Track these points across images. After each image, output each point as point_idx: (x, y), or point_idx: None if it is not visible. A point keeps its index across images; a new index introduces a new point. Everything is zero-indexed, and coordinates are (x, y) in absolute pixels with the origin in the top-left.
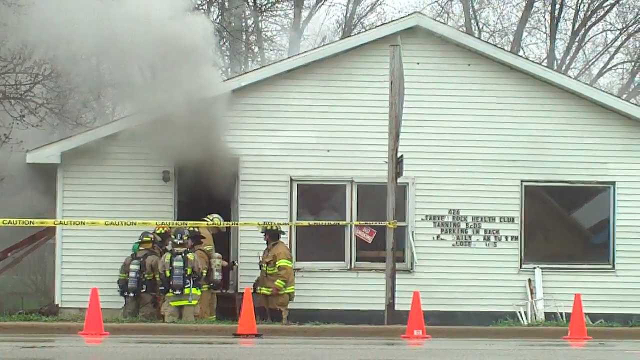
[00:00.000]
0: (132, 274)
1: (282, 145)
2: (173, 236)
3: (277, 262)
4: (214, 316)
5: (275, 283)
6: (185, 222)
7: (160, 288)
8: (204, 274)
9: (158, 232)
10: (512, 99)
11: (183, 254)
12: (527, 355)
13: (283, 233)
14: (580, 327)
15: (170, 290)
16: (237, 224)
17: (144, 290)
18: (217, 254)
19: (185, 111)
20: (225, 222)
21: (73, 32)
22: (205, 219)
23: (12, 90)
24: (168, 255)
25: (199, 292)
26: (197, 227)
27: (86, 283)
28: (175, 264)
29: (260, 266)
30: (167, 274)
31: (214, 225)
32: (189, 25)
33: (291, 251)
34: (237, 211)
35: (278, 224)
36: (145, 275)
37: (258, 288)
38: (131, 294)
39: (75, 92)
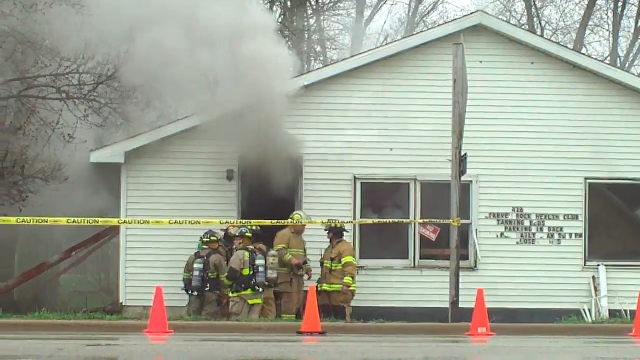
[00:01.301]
0: (196, 273)
1: (345, 144)
2: (233, 232)
3: (342, 259)
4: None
5: (345, 280)
6: (249, 220)
7: (240, 285)
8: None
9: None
10: (575, 96)
11: (265, 252)
12: (592, 352)
13: (347, 231)
14: None
15: (256, 288)
16: (301, 222)
17: (207, 288)
18: (272, 252)
19: (250, 108)
20: (288, 221)
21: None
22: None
23: (76, 90)
24: (246, 253)
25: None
26: (257, 226)
27: (150, 281)
28: (258, 261)
29: (322, 263)
30: (245, 272)
31: (294, 224)
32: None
33: (355, 249)
34: (301, 209)
35: (342, 221)
36: (209, 274)
37: (319, 285)
38: (195, 293)
39: (138, 91)
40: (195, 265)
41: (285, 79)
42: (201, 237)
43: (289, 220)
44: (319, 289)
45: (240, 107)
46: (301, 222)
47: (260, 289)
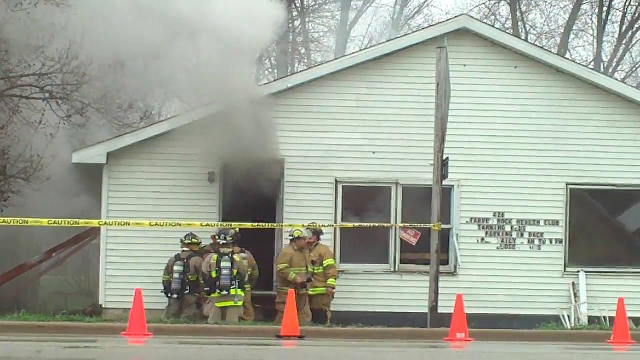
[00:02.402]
0: (175, 275)
1: (327, 147)
2: (217, 236)
3: (324, 261)
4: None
5: (329, 282)
6: (230, 223)
7: (205, 289)
8: (249, 275)
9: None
10: (559, 101)
11: (230, 255)
12: (570, 358)
13: (322, 233)
14: (624, 330)
15: (217, 291)
16: (281, 225)
17: (187, 291)
18: (243, 254)
19: (231, 111)
20: (269, 223)
21: (120, 33)
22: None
23: (59, 90)
24: (214, 256)
25: (242, 293)
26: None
27: (130, 284)
28: (223, 264)
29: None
30: (213, 274)
31: (297, 241)
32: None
33: (335, 252)
34: (282, 212)
35: (320, 225)
36: (189, 277)
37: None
38: (175, 295)
39: (121, 92)
40: (175, 268)
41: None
42: (182, 239)
43: (289, 237)
44: (298, 292)
45: (221, 109)
46: (304, 238)
47: (225, 292)
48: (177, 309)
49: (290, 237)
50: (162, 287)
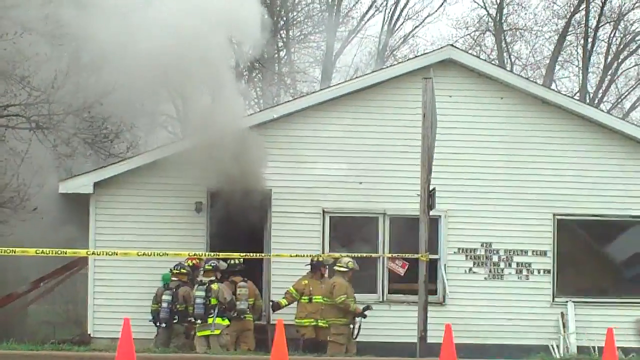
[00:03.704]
0: (164, 304)
1: (314, 177)
2: (205, 263)
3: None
4: (250, 347)
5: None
6: (218, 253)
7: (188, 319)
8: (234, 303)
9: (188, 264)
10: (545, 132)
11: (207, 284)
12: None
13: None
14: None
15: (194, 320)
16: (269, 255)
17: (176, 321)
18: (242, 283)
19: (217, 142)
20: (257, 254)
21: (105, 63)
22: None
23: (45, 120)
24: (196, 287)
25: (225, 322)
26: (234, 259)
27: (118, 313)
28: (197, 293)
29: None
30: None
31: (350, 271)
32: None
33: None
34: (270, 242)
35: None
36: (178, 306)
37: (307, 321)
38: (163, 324)
39: (107, 122)
40: (163, 297)
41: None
42: (171, 270)
43: (343, 268)
44: (305, 324)
45: (208, 140)
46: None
47: (199, 321)
48: (166, 339)
49: (345, 269)
50: (150, 317)
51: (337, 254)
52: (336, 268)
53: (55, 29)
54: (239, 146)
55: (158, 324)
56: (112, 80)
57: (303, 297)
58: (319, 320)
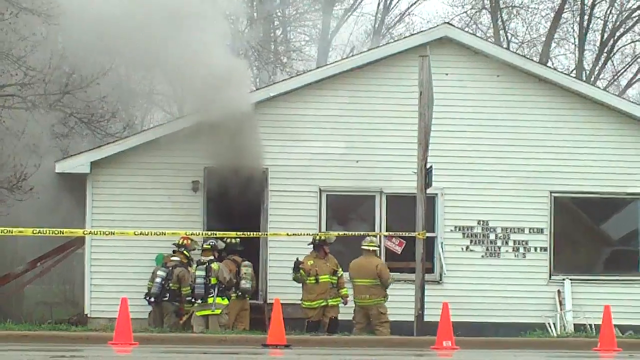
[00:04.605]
0: (157, 280)
1: (311, 156)
2: (203, 243)
3: (338, 272)
4: (246, 326)
5: (344, 292)
6: (215, 232)
7: (187, 298)
8: (234, 282)
9: (179, 243)
10: (541, 110)
11: (207, 264)
12: None
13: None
14: (610, 338)
15: (193, 300)
16: (266, 234)
17: (166, 298)
18: (245, 262)
19: (216, 121)
20: (254, 233)
21: (102, 42)
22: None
23: (42, 100)
24: (194, 266)
25: (224, 302)
26: (228, 238)
27: (115, 293)
28: (197, 273)
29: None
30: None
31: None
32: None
33: None
34: (267, 221)
35: (306, 233)
36: (171, 285)
37: (316, 302)
38: (152, 299)
39: (104, 101)
40: (158, 273)
41: (249, 92)
42: (175, 244)
43: (374, 246)
44: (314, 306)
45: (205, 119)
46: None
47: (200, 300)
48: (157, 316)
49: (376, 247)
50: (149, 294)
51: (335, 232)
52: (369, 247)
53: (51, 9)
54: (240, 123)
55: (147, 298)
56: (109, 58)
57: (309, 279)
58: (329, 300)
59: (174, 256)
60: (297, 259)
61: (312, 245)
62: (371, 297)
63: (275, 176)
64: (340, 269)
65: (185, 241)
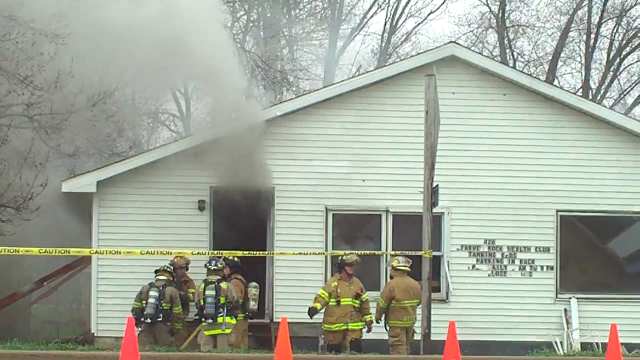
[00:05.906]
0: (151, 300)
1: (317, 175)
2: (207, 263)
3: (362, 296)
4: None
5: (368, 318)
6: (221, 251)
7: (194, 317)
8: (241, 303)
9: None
10: (548, 128)
11: (216, 283)
12: None
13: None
14: (617, 356)
15: (204, 320)
16: (272, 253)
17: (160, 319)
18: (253, 283)
19: (223, 139)
20: (260, 252)
21: (109, 62)
22: None
23: (48, 119)
24: (202, 285)
25: (233, 321)
26: (235, 257)
27: (122, 312)
28: (207, 292)
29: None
30: (202, 302)
31: None
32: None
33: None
34: (273, 240)
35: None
36: (164, 305)
37: (336, 325)
38: (148, 320)
39: (110, 121)
40: (151, 293)
41: (257, 111)
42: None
43: (405, 266)
44: (334, 329)
45: (213, 138)
46: None
47: (210, 320)
48: (151, 337)
49: (405, 267)
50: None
51: (355, 252)
52: (401, 268)
53: (58, 28)
54: (248, 141)
55: (142, 319)
56: (117, 75)
57: (331, 300)
58: (349, 324)
59: (161, 275)
60: (309, 308)
61: (337, 267)
62: (415, 317)
63: (282, 195)
64: (365, 294)
65: (175, 258)
